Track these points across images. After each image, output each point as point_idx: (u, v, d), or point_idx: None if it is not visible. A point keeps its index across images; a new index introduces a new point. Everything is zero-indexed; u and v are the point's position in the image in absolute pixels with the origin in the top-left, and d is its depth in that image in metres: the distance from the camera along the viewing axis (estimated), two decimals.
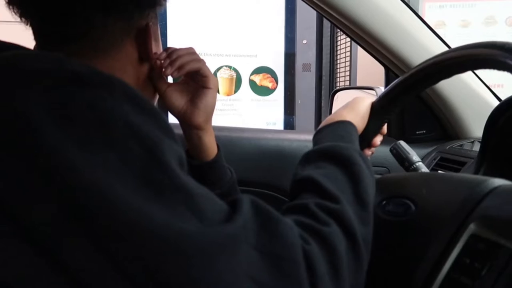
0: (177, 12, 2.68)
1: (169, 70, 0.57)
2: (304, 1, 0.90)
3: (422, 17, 0.92)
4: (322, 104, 2.77)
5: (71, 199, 0.31)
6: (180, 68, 0.58)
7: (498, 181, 0.44)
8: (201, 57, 0.60)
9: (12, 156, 0.31)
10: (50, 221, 0.31)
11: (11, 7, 0.47)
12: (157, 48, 0.54)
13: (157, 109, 0.38)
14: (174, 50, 0.59)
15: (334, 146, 0.52)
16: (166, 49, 0.59)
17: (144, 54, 0.51)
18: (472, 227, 0.41)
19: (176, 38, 2.70)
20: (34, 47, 0.49)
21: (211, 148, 0.65)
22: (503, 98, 0.96)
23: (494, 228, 0.39)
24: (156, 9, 0.53)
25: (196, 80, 0.62)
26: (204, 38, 2.73)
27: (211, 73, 0.62)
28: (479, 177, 0.47)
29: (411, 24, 0.89)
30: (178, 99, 0.62)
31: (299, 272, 0.35)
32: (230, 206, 0.37)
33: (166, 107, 0.64)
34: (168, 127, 0.37)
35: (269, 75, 2.82)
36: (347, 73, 2.57)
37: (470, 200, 0.43)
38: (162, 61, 0.58)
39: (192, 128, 0.62)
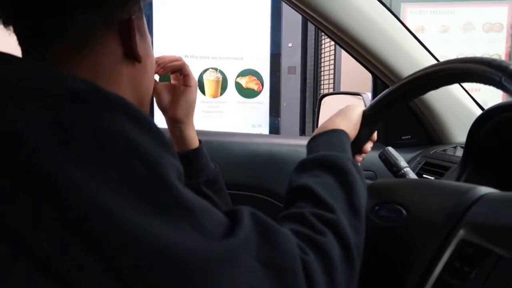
0: (163, 15, 2.66)
1: (156, 68, 0.67)
2: (290, 6, 0.92)
3: (404, 21, 0.95)
4: (307, 106, 2.81)
5: (73, 219, 0.30)
6: (164, 67, 0.71)
7: (484, 189, 0.47)
8: (188, 59, 0.67)
9: (9, 176, 0.31)
10: (52, 241, 0.30)
11: None
12: (143, 44, 0.52)
13: (156, 125, 0.38)
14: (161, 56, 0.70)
15: (329, 156, 0.54)
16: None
17: (129, 49, 0.49)
18: (461, 232, 0.43)
19: (163, 41, 2.68)
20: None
21: (193, 140, 0.73)
22: (480, 100, 1.01)
23: (482, 234, 0.41)
24: (140, 2, 0.52)
25: (179, 79, 0.73)
26: (191, 41, 2.72)
27: (191, 73, 0.73)
28: (467, 185, 0.50)
29: (396, 32, 0.92)
30: (165, 96, 0.72)
31: (298, 281, 0.37)
32: (230, 218, 0.38)
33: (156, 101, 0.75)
34: (166, 142, 0.38)
35: (255, 78, 2.83)
36: (331, 76, 2.61)
37: (459, 207, 0.45)
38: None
39: (175, 122, 0.71)
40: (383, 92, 0.64)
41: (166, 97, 0.72)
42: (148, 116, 0.38)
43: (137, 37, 0.49)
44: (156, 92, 0.71)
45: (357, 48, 0.93)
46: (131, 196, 0.32)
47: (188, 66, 0.73)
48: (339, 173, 0.51)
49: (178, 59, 0.72)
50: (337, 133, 0.60)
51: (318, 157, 0.54)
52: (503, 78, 0.43)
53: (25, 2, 0.44)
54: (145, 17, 0.55)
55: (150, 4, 2.53)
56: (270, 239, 0.38)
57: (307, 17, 0.93)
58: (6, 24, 0.46)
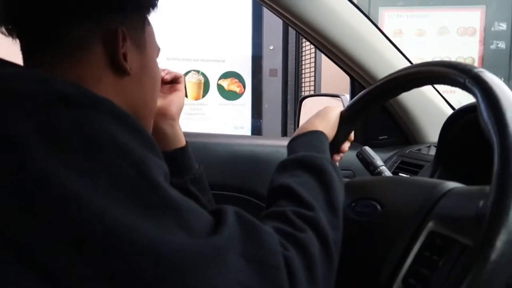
0: None
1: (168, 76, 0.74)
2: (269, 10, 0.94)
3: (382, 25, 0.99)
4: (288, 108, 2.84)
5: (63, 219, 0.31)
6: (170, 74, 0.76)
7: (451, 184, 0.50)
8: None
9: None
10: (42, 241, 0.31)
11: None
12: (139, 56, 0.52)
13: (142, 127, 0.39)
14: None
15: (308, 156, 0.56)
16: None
17: (116, 60, 0.48)
18: (430, 224, 0.46)
19: None
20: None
21: (181, 138, 0.74)
22: (454, 102, 1.05)
23: (449, 225, 0.44)
24: (140, 15, 0.52)
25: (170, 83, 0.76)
26: (172, 43, 2.72)
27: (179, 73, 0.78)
28: (436, 180, 0.53)
29: (372, 36, 0.95)
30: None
31: (281, 277, 0.38)
32: (215, 217, 0.39)
33: None
34: (153, 143, 0.39)
35: (236, 80, 2.85)
36: (312, 78, 2.65)
37: (429, 201, 0.48)
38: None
39: (166, 118, 0.72)
40: (359, 94, 0.66)
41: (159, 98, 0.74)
42: (135, 118, 0.39)
43: (132, 49, 0.50)
44: None
45: (336, 52, 0.96)
46: (119, 196, 0.33)
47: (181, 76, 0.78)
48: (318, 173, 0.53)
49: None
50: (316, 134, 0.62)
51: (298, 158, 0.56)
52: (467, 80, 0.46)
53: (26, 10, 0.45)
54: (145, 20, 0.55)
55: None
56: (254, 237, 0.39)
57: (287, 22, 0.95)
58: (9, 31, 0.47)
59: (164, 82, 0.74)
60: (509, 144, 0.38)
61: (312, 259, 0.43)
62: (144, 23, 0.54)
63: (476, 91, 0.44)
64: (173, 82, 0.76)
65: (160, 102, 0.72)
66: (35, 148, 0.32)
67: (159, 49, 0.59)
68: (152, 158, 0.37)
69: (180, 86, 0.76)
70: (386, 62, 0.94)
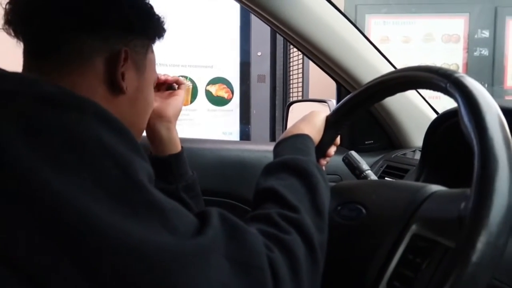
0: None
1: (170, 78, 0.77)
2: (257, 16, 0.95)
3: (368, 32, 1.00)
4: (277, 114, 2.85)
5: (46, 219, 0.31)
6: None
7: (434, 187, 0.51)
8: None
9: None
10: (25, 241, 0.31)
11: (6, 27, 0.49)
12: (138, 78, 0.54)
13: (128, 129, 0.39)
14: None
15: (293, 159, 0.56)
16: None
17: (114, 77, 0.50)
18: (414, 227, 0.47)
19: None
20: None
21: (177, 142, 0.75)
22: (439, 107, 1.07)
23: (431, 228, 0.45)
24: (145, 40, 0.55)
25: (169, 88, 0.77)
26: (161, 49, 2.71)
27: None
28: (419, 184, 0.54)
29: (358, 42, 0.97)
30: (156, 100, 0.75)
31: (265, 278, 0.38)
32: (199, 219, 0.39)
33: None
34: (137, 145, 0.39)
35: (225, 86, 2.86)
36: (300, 84, 2.67)
37: (412, 204, 0.49)
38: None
39: (163, 120, 0.73)
40: (344, 99, 0.67)
41: (155, 101, 0.74)
42: (120, 121, 0.39)
43: (131, 70, 0.52)
44: None
45: (321, 58, 0.97)
46: (103, 196, 0.33)
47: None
48: (303, 176, 0.53)
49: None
50: (302, 138, 0.63)
51: (283, 161, 0.57)
52: (448, 85, 0.47)
53: (37, 16, 0.47)
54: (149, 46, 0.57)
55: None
56: (238, 238, 0.39)
57: (274, 28, 0.96)
58: (16, 33, 0.49)
59: (163, 84, 0.76)
60: (488, 146, 0.38)
61: (297, 261, 0.43)
62: (147, 50, 0.56)
63: (457, 95, 0.45)
64: (170, 88, 0.77)
65: (157, 104, 0.73)
66: (18, 147, 0.32)
67: (157, 78, 0.62)
68: (137, 160, 0.37)
69: (180, 91, 0.77)
70: (370, 67, 0.95)
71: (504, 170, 0.37)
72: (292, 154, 0.58)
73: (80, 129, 0.35)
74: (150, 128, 0.73)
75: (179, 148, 0.74)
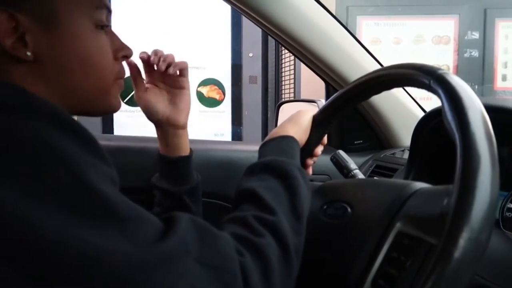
0: (123, 24, 2.63)
1: (162, 66, 0.64)
2: (248, 18, 0.95)
3: (360, 33, 1.00)
4: (269, 115, 2.85)
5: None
6: (174, 65, 0.65)
7: (419, 185, 0.51)
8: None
9: None
10: None
11: None
12: (50, 34, 0.43)
13: (87, 132, 0.37)
14: (160, 50, 0.65)
15: (275, 161, 0.56)
16: (153, 51, 0.65)
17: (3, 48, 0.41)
18: (398, 225, 0.46)
19: None
20: None
21: (187, 145, 0.72)
22: (430, 108, 1.07)
23: (415, 225, 0.45)
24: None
25: (171, 82, 0.68)
26: (152, 50, 2.70)
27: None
28: (404, 181, 0.53)
29: (346, 42, 0.97)
30: (159, 103, 0.68)
31: (236, 282, 0.38)
32: (166, 224, 0.38)
33: (149, 117, 0.69)
34: (97, 148, 0.37)
35: (216, 87, 2.85)
36: (292, 85, 2.67)
37: (396, 202, 0.48)
38: (152, 58, 0.64)
39: (176, 128, 0.69)
40: (331, 98, 0.67)
41: (161, 103, 0.68)
42: (78, 123, 0.37)
43: (33, 28, 0.42)
44: (148, 99, 0.67)
45: (310, 57, 0.97)
46: (54, 204, 0.31)
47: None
48: (284, 178, 0.53)
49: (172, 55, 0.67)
50: (286, 139, 0.62)
51: (265, 162, 0.56)
52: (431, 82, 0.47)
53: None
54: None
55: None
56: (209, 243, 0.39)
57: (265, 30, 0.96)
58: None
59: (159, 71, 0.65)
60: (470, 142, 0.38)
61: (269, 264, 0.42)
62: (35, 8, 0.42)
63: (440, 92, 0.45)
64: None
65: (169, 111, 0.68)
66: None
67: (104, 19, 0.48)
68: (95, 164, 0.35)
69: (186, 91, 0.69)
70: (358, 66, 0.95)
71: (486, 166, 0.37)
72: (276, 156, 0.58)
73: (30, 135, 0.33)
74: (162, 134, 0.71)
75: (188, 151, 0.73)
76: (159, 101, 0.68)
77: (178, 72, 0.67)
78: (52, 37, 0.44)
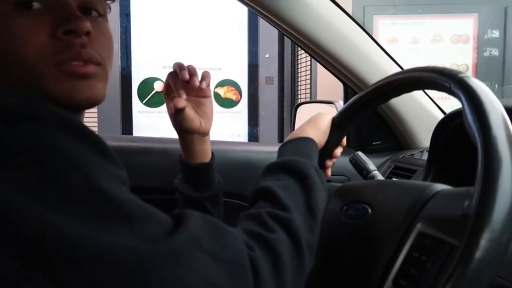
0: (142, 26, 2.68)
1: (204, 84, 0.68)
2: (264, 19, 0.96)
3: (376, 33, 1.00)
4: (285, 115, 2.86)
5: (9, 237, 0.30)
6: (203, 78, 0.69)
7: (439, 186, 0.51)
8: (167, 70, 0.66)
9: None
10: None
11: None
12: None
13: (93, 133, 0.37)
14: (187, 65, 0.67)
15: (293, 161, 0.57)
16: (178, 65, 0.67)
17: None
18: (419, 226, 0.47)
19: (141, 52, 2.70)
20: None
21: (209, 150, 0.74)
22: (449, 108, 1.07)
23: (436, 226, 0.45)
24: None
25: (195, 91, 0.70)
26: (170, 51, 2.74)
27: None
28: (424, 183, 0.54)
29: (364, 43, 0.97)
30: (192, 115, 0.70)
31: (246, 275, 0.39)
32: (175, 221, 0.39)
33: (182, 127, 0.70)
34: (105, 150, 0.37)
35: (233, 88, 2.87)
36: (308, 86, 2.67)
37: (417, 203, 0.49)
38: (181, 73, 0.65)
39: (202, 136, 0.71)
40: (350, 100, 0.68)
41: (193, 115, 0.70)
42: (86, 127, 0.37)
43: None
44: (187, 118, 0.69)
45: (328, 59, 0.97)
46: (66, 207, 0.32)
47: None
48: (301, 177, 0.54)
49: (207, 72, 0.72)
50: (305, 141, 0.63)
51: (283, 162, 0.57)
52: (452, 85, 0.47)
53: None
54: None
55: (128, 16, 2.55)
56: (219, 237, 0.40)
57: (281, 30, 0.97)
58: None
59: (194, 86, 0.67)
60: (491, 145, 0.39)
61: (280, 259, 0.43)
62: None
63: (461, 95, 0.46)
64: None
65: (199, 119, 0.70)
66: None
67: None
68: (104, 165, 0.36)
69: (209, 99, 0.72)
70: (377, 68, 0.96)
71: (508, 168, 0.38)
72: (293, 156, 0.59)
73: (38, 141, 0.33)
74: (188, 141, 0.72)
75: (209, 157, 0.74)
76: (192, 113, 0.70)
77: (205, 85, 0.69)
78: None
